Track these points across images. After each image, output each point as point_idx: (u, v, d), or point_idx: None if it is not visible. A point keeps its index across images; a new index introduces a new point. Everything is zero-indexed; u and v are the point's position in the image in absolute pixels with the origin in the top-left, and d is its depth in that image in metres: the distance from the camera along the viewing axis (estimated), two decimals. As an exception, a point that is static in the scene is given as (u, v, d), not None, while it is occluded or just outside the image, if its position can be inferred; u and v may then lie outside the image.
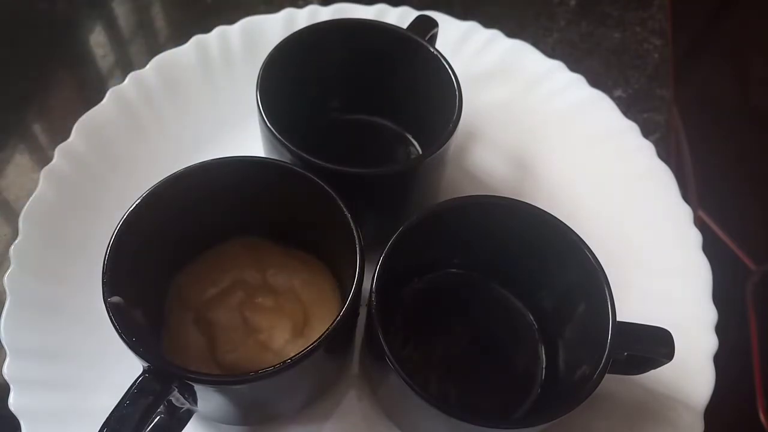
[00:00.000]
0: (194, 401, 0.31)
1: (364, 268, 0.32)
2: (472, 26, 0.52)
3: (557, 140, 0.49)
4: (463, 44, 0.52)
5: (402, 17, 0.51)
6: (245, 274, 0.38)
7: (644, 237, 0.44)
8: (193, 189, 0.35)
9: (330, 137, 0.46)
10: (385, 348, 0.30)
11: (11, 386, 0.36)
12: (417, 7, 0.52)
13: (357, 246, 0.32)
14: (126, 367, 0.30)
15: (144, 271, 0.34)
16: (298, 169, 0.35)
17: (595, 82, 0.50)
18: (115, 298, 0.30)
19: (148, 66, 0.48)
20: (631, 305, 0.35)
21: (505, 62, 0.51)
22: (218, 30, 0.51)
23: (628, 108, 0.53)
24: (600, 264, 0.32)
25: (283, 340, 0.36)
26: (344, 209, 0.33)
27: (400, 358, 0.30)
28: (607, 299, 0.31)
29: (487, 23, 0.53)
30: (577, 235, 0.33)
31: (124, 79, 0.48)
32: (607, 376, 0.30)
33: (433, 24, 0.43)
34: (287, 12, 0.52)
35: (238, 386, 0.30)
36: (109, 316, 0.29)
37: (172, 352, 0.35)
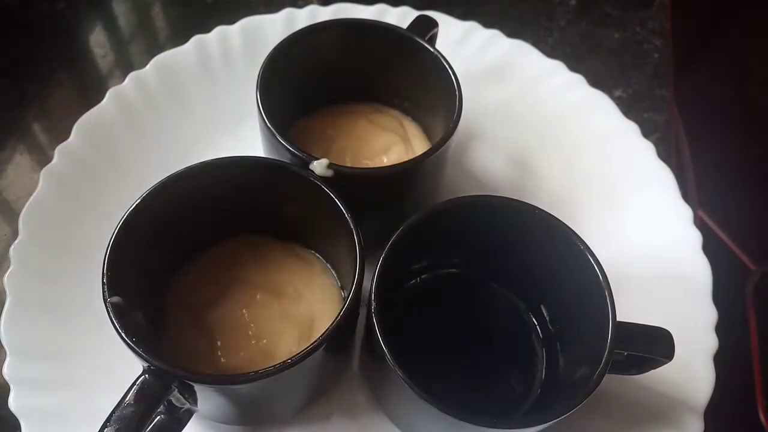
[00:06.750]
0: (194, 401, 0.31)
1: (364, 268, 0.32)
2: (472, 26, 0.52)
3: (557, 140, 0.49)
4: (463, 44, 0.52)
5: (402, 17, 0.51)
6: (246, 273, 0.38)
7: (644, 237, 0.44)
8: (193, 189, 0.35)
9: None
10: (385, 348, 0.30)
11: (11, 386, 0.36)
12: (417, 7, 0.52)
13: (357, 246, 0.32)
14: (126, 367, 0.30)
15: (144, 271, 0.34)
16: (299, 169, 0.35)
17: (595, 82, 0.50)
18: (115, 298, 0.30)
19: (148, 66, 0.48)
20: (631, 305, 0.35)
21: (505, 62, 0.51)
22: (218, 30, 0.51)
23: (628, 108, 0.53)
24: (600, 264, 0.32)
25: (288, 350, 0.35)
26: (344, 209, 0.33)
27: (400, 358, 0.30)
28: (607, 299, 0.31)
29: (487, 23, 0.53)
30: (577, 235, 0.33)
31: (124, 79, 0.48)
32: (607, 376, 0.30)
33: (433, 24, 0.43)
34: (287, 12, 0.52)
35: (238, 386, 0.30)
36: (109, 316, 0.29)
37: (172, 353, 0.35)
